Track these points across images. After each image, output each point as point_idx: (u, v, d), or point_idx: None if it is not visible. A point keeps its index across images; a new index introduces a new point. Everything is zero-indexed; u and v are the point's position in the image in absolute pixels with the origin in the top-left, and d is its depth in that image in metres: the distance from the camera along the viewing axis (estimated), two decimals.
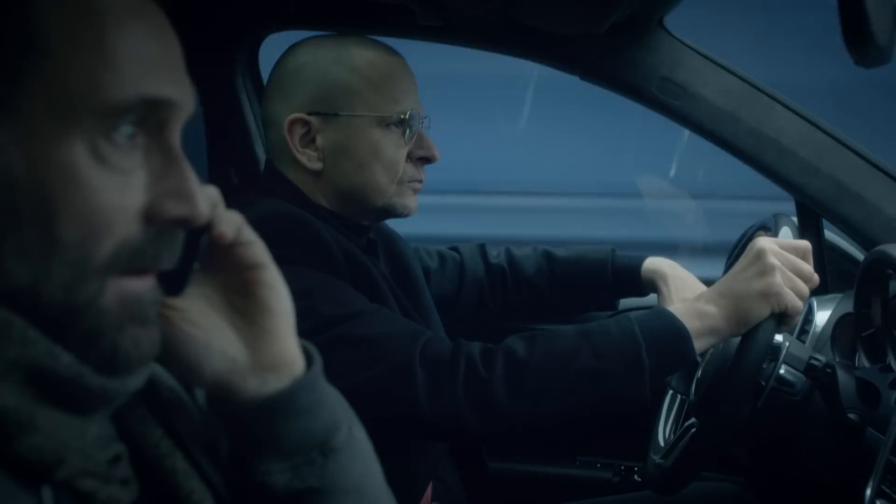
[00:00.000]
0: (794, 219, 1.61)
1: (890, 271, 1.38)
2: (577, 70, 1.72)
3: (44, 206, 0.59)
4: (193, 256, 0.70)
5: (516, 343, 1.27)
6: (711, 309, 1.27)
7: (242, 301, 0.73)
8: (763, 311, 1.26)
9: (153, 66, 0.64)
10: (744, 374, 1.24)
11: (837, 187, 1.62)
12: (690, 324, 1.26)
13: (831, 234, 1.80)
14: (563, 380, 1.24)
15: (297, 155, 1.41)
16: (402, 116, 1.41)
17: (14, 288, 0.60)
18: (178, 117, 0.66)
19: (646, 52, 1.66)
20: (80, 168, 0.60)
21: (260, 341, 0.73)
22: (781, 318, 1.27)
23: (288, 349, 0.74)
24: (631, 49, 1.66)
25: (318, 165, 1.41)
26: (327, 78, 1.41)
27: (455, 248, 1.82)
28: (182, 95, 0.66)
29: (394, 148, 1.41)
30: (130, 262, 0.63)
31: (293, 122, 1.40)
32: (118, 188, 0.62)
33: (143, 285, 0.65)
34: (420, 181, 1.46)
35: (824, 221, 1.74)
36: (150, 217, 0.64)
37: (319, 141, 1.40)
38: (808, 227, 1.74)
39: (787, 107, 1.65)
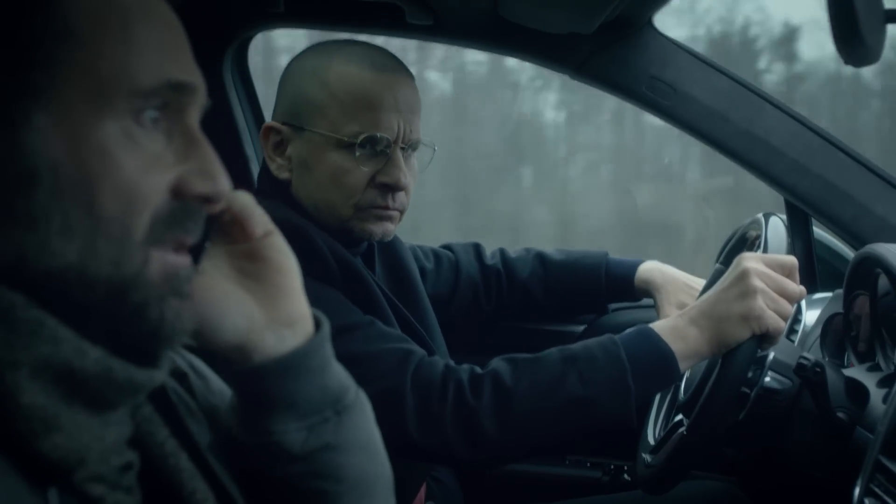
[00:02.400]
0: (784, 216, 1.61)
1: (878, 270, 1.38)
2: (566, 69, 1.72)
3: (84, 186, 0.63)
4: (206, 234, 0.74)
5: (503, 369, 1.26)
6: (693, 331, 1.26)
7: (253, 265, 0.77)
8: (743, 333, 1.25)
9: (174, 53, 0.69)
10: (725, 391, 1.24)
11: (826, 186, 1.63)
12: (675, 346, 1.26)
13: (820, 233, 1.80)
14: (550, 407, 1.24)
15: (269, 162, 1.40)
16: (367, 142, 1.34)
17: (62, 266, 0.63)
18: (196, 102, 0.71)
19: (635, 51, 1.66)
20: (114, 148, 0.64)
21: (274, 299, 0.77)
22: (763, 338, 1.27)
23: (300, 304, 0.79)
24: (620, 48, 1.66)
25: (286, 175, 1.40)
26: (300, 90, 1.39)
27: (449, 247, 1.81)
28: (200, 81, 0.71)
29: (350, 171, 1.35)
30: (166, 231, 0.67)
31: (268, 129, 1.40)
32: (151, 167, 0.66)
33: (181, 260, 0.69)
34: (384, 208, 1.38)
35: (813, 220, 1.74)
36: (178, 193, 0.68)
37: (289, 151, 1.39)
38: (798, 225, 1.74)
39: (776, 106, 1.66)
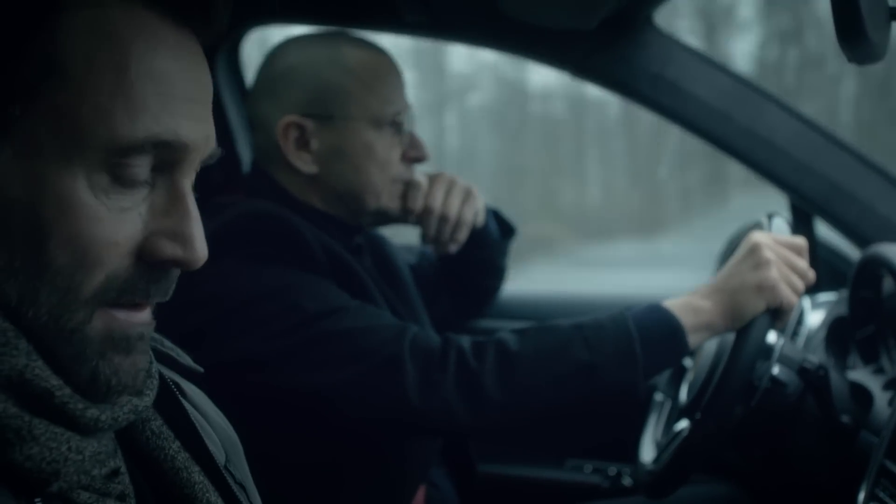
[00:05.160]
0: (787, 217, 1.60)
1: (884, 271, 1.37)
2: (566, 66, 1.70)
3: (36, 230, 0.59)
4: None
5: (507, 336, 1.27)
6: (706, 304, 1.27)
7: None
8: (758, 305, 1.25)
9: (173, 105, 0.62)
10: (738, 370, 1.23)
11: (830, 186, 1.61)
12: (685, 319, 1.26)
13: (824, 233, 1.79)
14: (555, 372, 1.23)
15: (292, 159, 1.39)
16: (397, 118, 1.40)
17: (2, 304, 0.60)
18: (192, 158, 0.65)
19: (636, 48, 1.65)
20: (76, 199, 0.59)
21: None
22: (776, 314, 1.27)
23: None
24: (621, 45, 1.65)
25: (313, 169, 1.39)
26: (320, 80, 1.39)
27: None
28: (199, 137, 0.64)
29: (388, 149, 1.40)
30: (120, 295, 0.63)
31: (287, 126, 1.38)
32: (114, 224, 0.61)
33: (132, 318, 0.64)
34: (409, 182, 1.45)
35: (817, 220, 1.73)
36: (144, 255, 0.63)
37: (314, 144, 1.39)
38: (801, 226, 1.72)
39: (779, 105, 1.64)
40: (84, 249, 0.60)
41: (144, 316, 0.65)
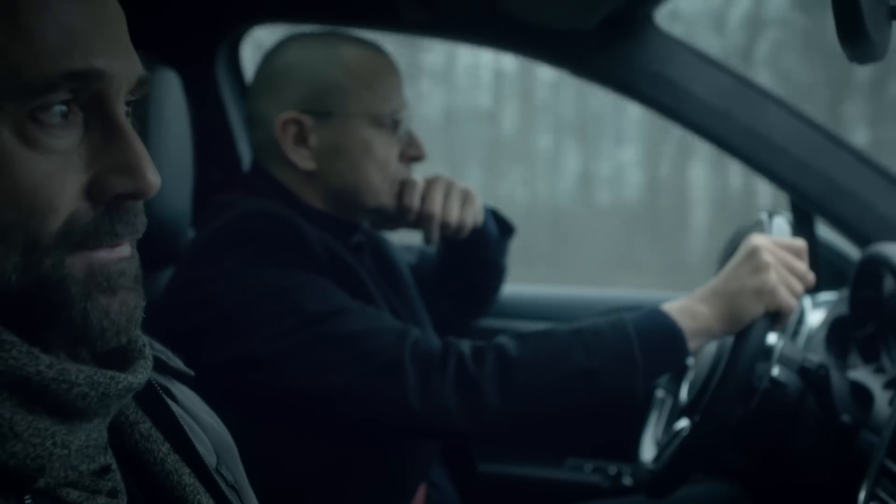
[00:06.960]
0: (788, 216, 1.60)
1: (884, 270, 1.37)
2: (566, 65, 1.70)
3: None
4: None
5: (507, 341, 1.27)
6: (704, 308, 1.26)
7: None
8: (757, 309, 1.25)
9: (77, 38, 0.60)
10: (736, 374, 1.23)
11: (831, 185, 1.61)
12: (684, 323, 1.25)
13: (824, 232, 1.79)
14: (554, 378, 1.23)
15: (290, 155, 1.39)
16: (395, 116, 1.40)
17: None
18: (116, 88, 0.63)
19: (636, 47, 1.65)
20: (7, 154, 0.58)
21: None
22: (775, 318, 1.27)
23: None
24: (621, 44, 1.65)
25: (311, 165, 1.39)
26: (319, 77, 1.39)
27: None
28: (116, 65, 0.62)
29: (386, 147, 1.40)
30: (85, 238, 0.61)
31: (286, 122, 1.38)
32: (53, 169, 0.60)
33: (110, 255, 0.63)
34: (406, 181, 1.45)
35: (817, 220, 1.73)
36: (95, 194, 0.61)
37: (312, 141, 1.39)
38: (801, 225, 1.72)
39: (779, 104, 1.64)
40: (29, 201, 0.59)
41: (123, 251, 0.64)
